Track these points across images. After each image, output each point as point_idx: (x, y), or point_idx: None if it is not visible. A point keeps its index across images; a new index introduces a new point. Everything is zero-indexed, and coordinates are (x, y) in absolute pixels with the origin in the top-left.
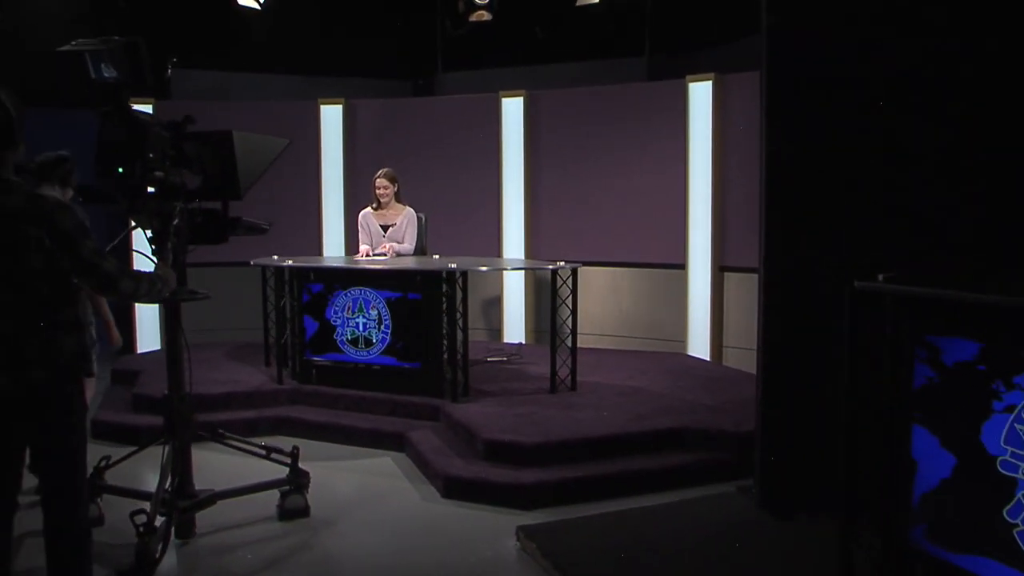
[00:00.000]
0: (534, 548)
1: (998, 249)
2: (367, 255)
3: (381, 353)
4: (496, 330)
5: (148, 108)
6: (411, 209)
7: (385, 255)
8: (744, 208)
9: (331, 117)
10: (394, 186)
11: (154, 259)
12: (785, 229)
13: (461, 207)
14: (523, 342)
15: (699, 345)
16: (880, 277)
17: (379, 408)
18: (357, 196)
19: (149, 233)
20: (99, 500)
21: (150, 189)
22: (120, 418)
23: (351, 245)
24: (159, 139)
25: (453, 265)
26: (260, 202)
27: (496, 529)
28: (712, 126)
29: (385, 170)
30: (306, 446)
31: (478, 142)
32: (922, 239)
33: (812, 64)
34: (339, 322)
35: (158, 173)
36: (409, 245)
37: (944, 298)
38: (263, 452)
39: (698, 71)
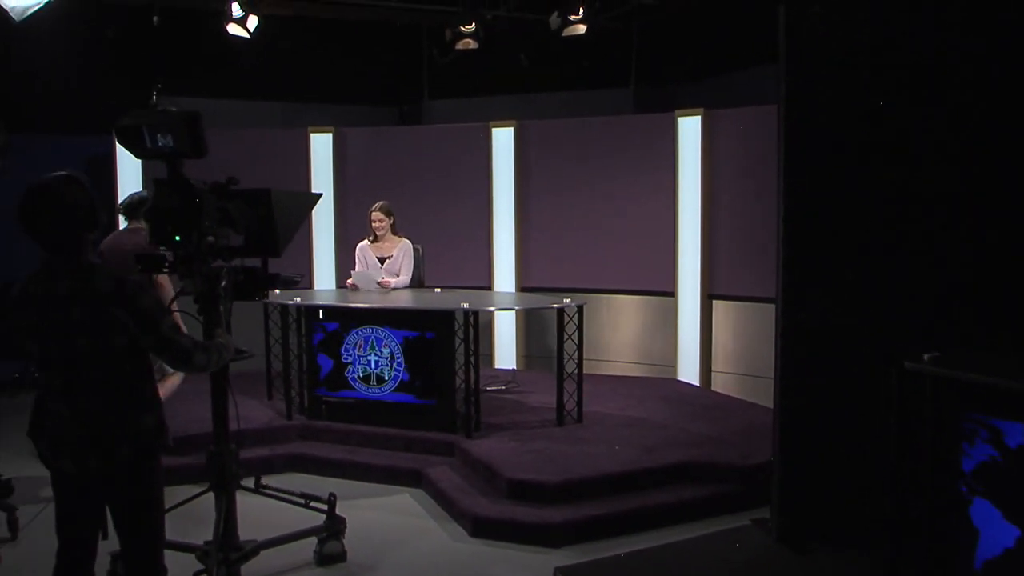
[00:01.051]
0: None
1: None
2: (352, 286)
3: (394, 390)
4: (487, 355)
5: None
6: (407, 241)
7: (383, 287)
8: (732, 238)
9: (321, 145)
10: (389, 219)
11: (198, 317)
12: (802, 267)
13: (451, 235)
14: (515, 368)
15: (689, 370)
16: (925, 357)
17: (392, 444)
18: (347, 225)
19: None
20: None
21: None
22: None
23: (342, 276)
24: (210, 204)
25: (465, 305)
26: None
27: (529, 568)
28: (701, 159)
29: (380, 203)
30: (323, 483)
31: (468, 171)
32: (932, 285)
33: (828, 132)
34: (351, 359)
35: (210, 238)
36: (405, 277)
37: (1000, 386)
38: (302, 502)
39: (683, 104)
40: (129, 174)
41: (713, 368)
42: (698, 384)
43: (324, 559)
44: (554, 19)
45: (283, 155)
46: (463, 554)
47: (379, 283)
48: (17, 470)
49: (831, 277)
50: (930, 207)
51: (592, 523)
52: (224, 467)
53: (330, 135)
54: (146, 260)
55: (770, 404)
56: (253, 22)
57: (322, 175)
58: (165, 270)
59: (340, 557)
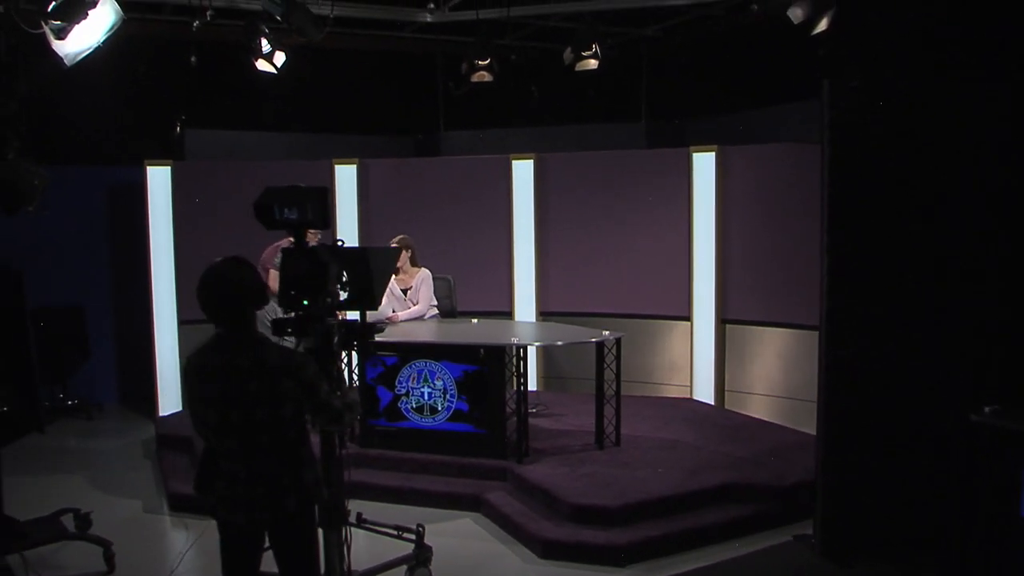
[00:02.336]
0: None
1: None
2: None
3: (447, 420)
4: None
5: (167, 169)
6: (426, 271)
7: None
8: (743, 267)
9: (346, 177)
10: (408, 252)
11: None
12: (846, 291)
13: (473, 263)
14: (537, 389)
15: (704, 390)
16: (987, 410)
17: (446, 471)
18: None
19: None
20: None
21: None
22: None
23: None
24: (333, 269)
25: (515, 340)
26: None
27: None
28: (715, 193)
29: (400, 237)
30: (382, 509)
31: (489, 201)
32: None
33: (868, 195)
34: (404, 391)
35: (329, 299)
36: (421, 306)
37: None
38: (395, 533)
39: (693, 139)
40: (160, 203)
41: (727, 388)
42: (713, 403)
43: None
44: (567, 54)
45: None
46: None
47: (388, 318)
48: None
49: (872, 314)
50: (960, 260)
51: (652, 543)
52: (338, 508)
53: (354, 167)
54: (278, 325)
55: (786, 423)
56: (280, 58)
57: (347, 206)
58: (289, 333)
59: None
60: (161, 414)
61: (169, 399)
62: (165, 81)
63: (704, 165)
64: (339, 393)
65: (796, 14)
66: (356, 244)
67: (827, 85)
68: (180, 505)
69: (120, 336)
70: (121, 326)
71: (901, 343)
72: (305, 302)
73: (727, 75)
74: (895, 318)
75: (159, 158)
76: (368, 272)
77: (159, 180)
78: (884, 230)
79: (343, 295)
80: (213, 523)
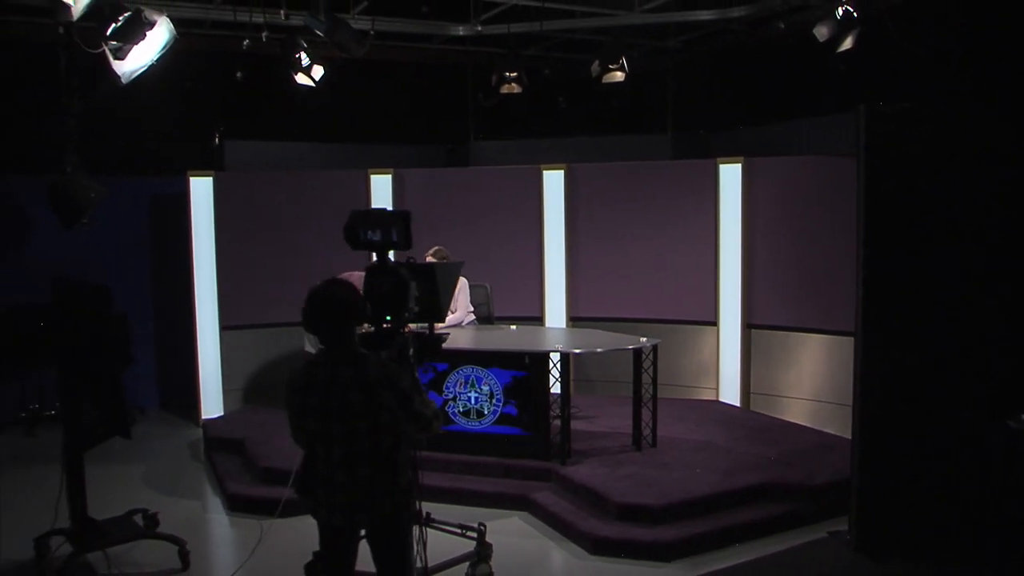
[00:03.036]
0: None
1: None
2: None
3: (493, 423)
4: None
5: (209, 180)
6: (462, 279)
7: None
8: (768, 273)
9: (381, 186)
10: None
11: None
12: (881, 302)
13: (505, 270)
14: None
15: (730, 393)
16: (1022, 417)
17: (492, 472)
18: (405, 258)
19: None
20: None
21: None
22: (254, 491)
23: None
24: (413, 287)
25: (559, 346)
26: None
27: None
28: (742, 202)
29: (435, 249)
30: (434, 509)
31: (520, 210)
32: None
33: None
34: (452, 395)
35: (408, 314)
36: (461, 313)
37: None
38: (459, 531)
39: (718, 150)
40: (202, 212)
41: (752, 391)
42: (739, 406)
43: None
44: (595, 67)
45: (345, 195)
46: (589, 571)
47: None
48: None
49: (905, 324)
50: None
51: (696, 539)
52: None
53: (389, 176)
54: (364, 340)
55: (811, 424)
56: (318, 72)
57: None
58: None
59: None
60: (204, 418)
61: (211, 403)
62: (205, 94)
63: (730, 176)
64: (429, 401)
65: (822, 32)
66: (392, 253)
67: (863, 109)
68: (238, 506)
69: (161, 342)
70: (162, 332)
71: (934, 352)
72: (388, 317)
73: (750, 88)
74: (928, 328)
75: (199, 169)
76: (435, 286)
77: (201, 190)
78: (917, 245)
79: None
80: (275, 523)
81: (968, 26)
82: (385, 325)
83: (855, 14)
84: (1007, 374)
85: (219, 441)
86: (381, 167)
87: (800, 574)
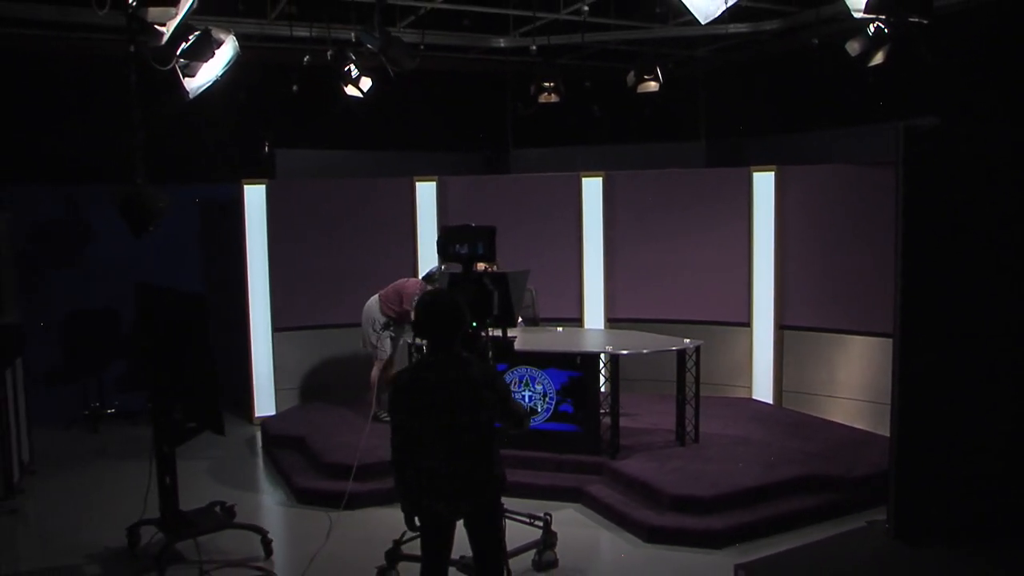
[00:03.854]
0: None
1: None
2: None
3: (546, 420)
4: None
5: (262, 187)
6: None
7: None
8: (799, 277)
9: (426, 192)
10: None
11: None
12: (917, 308)
13: (545, 274)
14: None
15: (763, 391)
16: None
17: (545, 466)
18: (449, 265)
19: None
20: (396, 567)
21: None
22: (320, 485)
23: None
24: (494, 295)
25: (609, 348)
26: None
27: (704, 565)
28: (774, 209)
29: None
30: None
31: (560, 215)
32: None
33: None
34: None
35: (489, 320)
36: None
37: None
38: (528, 521)
39: (750, 157)
40: (255, 218)
41: (784, 389)
42: (772, 403)
43: (543, 566)
44: (630, 77)
45: (391, 202)
46: (646, 557)
47: None
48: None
49: (941, 328)
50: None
51: (744, 528)
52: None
53: (434, 183)
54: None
55: (842, 420)
56: (366, 83)
57: (427, 219)
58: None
59: (554, 564)
60: (257, 416)
61: (264, 402)
62: (256, 104)
63: (764, 183)
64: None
65: (853, 47)
66: (436, 256)
67: (902, 127)
68: (306, 499)
69: (213, 342)
70: (214, 333)
71: (969, 353)
72: (474, 324)
73: (780, 97)
74: (963, 331)
75: (250, 177)
76: (508, 293)
77: (255, 197)
78: (952, 253)
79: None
80: (345, 514)
81: (991, 42)
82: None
83: (886, 30)
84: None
85: (279, 438)
86: (422, 174)
87: (843, 560)
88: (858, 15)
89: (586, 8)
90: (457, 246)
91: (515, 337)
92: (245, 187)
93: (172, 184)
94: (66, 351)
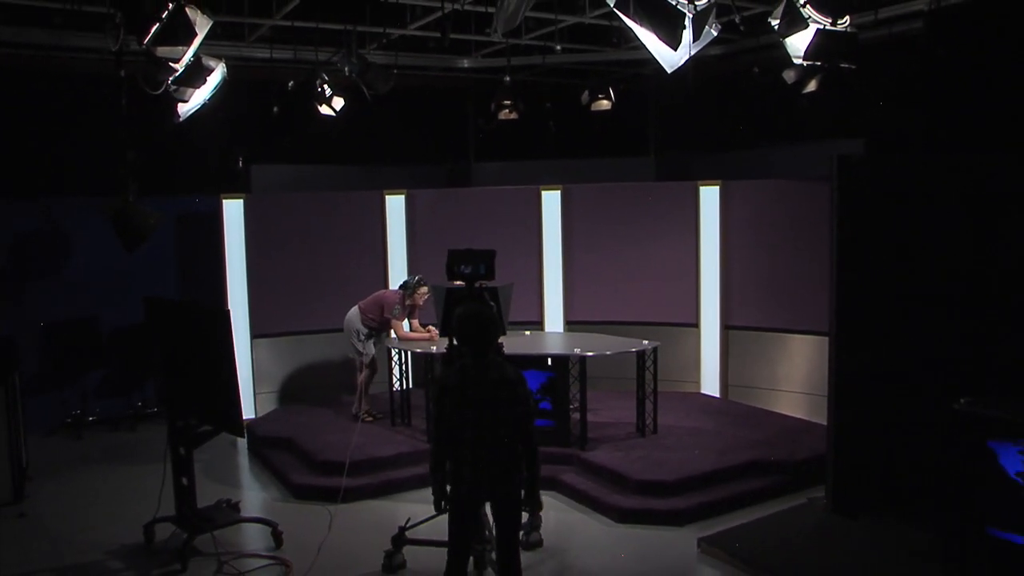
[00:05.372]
0: (718, 551)
1: None
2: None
3: None
4: None
5: (240, 201)
6: None
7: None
8: (743, 281)
9: (395, 205)
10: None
11: None
12: (850, 311)
13: (508, 280)
14: None
15: (711, 385)
16: (962, 401)
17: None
18: (416, 273)
19: None
20: (402, 550)
21: None
22: (316, 481)
23: None
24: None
25: (578, 350)
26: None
27: (671, 540)
28: (720, 220)
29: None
30: None
31: (521, 226)
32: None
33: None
34: None
35: None
36: None
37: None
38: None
39: (696, 172)
40: (234, 230)
41: (730, 383)
42: (719, 396)
43: (530, 546)
44: (584, 96)
45: (362, 214)
46: (618, 536)
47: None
48: None
49: (871, 329)
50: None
51: (703, 507)
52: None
53: (403, 196)
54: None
55: (783, 411)
56: (339, 103)
57: (396, 230)
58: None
59: (540, 543)
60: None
61: (244, 406)
62: (231, 120)
63: (709, 196)
64: None
65: (789, 75)
66: (406, 265)
67: (836, 159)
68: (304, 494)
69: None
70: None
71: (893, 350)
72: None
73: (725, 115)
74: (889, 331)
75: (227, 191)
76: (499, 305)
77: (233, 211)
78: (878, 264)
79: None
80: (344, 507)
81: (916, 74)
82: None
83: (818, 63)
84: (953, 367)
85: (266, 439)
86: (388, 187)
87: (789, 531)
88: (797, 60)
89: (559, 48)
90: (462, 266)
91: (503, 344)
92: (224, 201)
93: (149, 197)
94: (46, 360)
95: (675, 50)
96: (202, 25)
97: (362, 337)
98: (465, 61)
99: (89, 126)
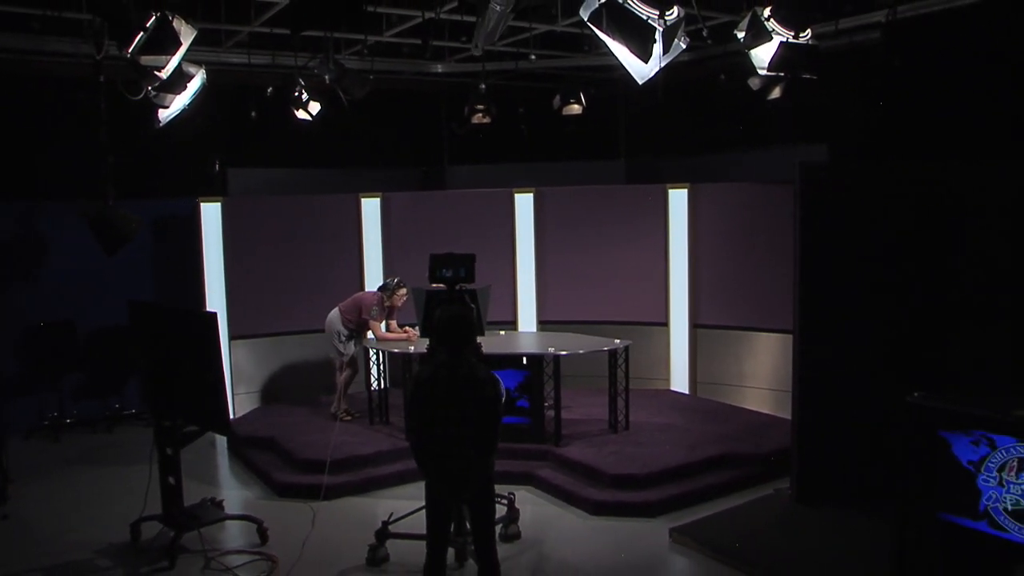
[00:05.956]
0: (688, 540)
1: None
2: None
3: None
4: None
5: (217, 204)
6: None
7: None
8: (711, 282)
9: (371, 208)
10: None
11: None
12: (812, 313)
13: (482, 281)
14: None
15: (680, 382)
16: (916, 395)
17: (500, 455)
18: (393, 275)
19: None
20: (385, 544)
21: None
22: (298, 479)
23: None
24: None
25: (552, 350)
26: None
27: (643, 531)
28: (688, 222)
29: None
30: None
31: (495, 228)
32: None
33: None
34: None
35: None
36: None
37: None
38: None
39: (665, 175)
40: (212, 233)
41: (699, 380)
42: (688, 393)
43: (508, 537)
44: (556, 101)
45: (338, 216)
46: (593, 527)
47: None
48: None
49: (832, 329)
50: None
51: (674, 499)
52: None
53: (378, 199)
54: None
55: (749, 406)
56: (315, 107)
57: (372, 233)
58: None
59: (518, 535)
60: None
61: None
62: (208, 124)
63: (678, 199)
64: None
65: (755, 83)
66: (381, 266)
67: (799, 165)
68: (286, 492)
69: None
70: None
71: (853, 348)
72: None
73: (694, 119)
74: (849, 330)
75: (203, 194)
76: (478, 306)
77: (211, 214)
78: (839, 266)
79: None
80: (326, 504)
81: (875, 83)
82: None
83: (782, 74)
84: (909, 364)
85: (248, 439)
86: (363, 190)
87: (756, 520)
88: (762, 71)
89: (532, 57)
90: (444, 270)
91: (480, 344)
92: (201, 204)
93: (126, 200)
94: (23, 363)
95: (646, 63)
96: (187, 35)
97: (343, 338)
98: (439, 66)
99: (68, 130)
